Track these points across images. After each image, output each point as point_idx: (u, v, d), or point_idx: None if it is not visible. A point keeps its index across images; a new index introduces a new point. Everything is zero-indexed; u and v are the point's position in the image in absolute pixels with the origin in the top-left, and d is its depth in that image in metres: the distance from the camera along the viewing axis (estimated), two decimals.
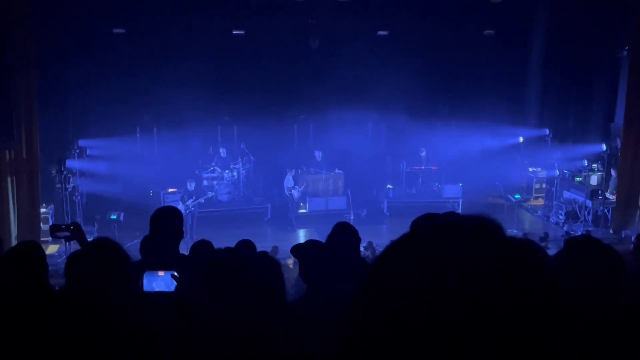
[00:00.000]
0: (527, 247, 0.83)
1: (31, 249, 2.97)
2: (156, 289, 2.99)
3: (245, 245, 4.70)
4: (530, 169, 14.89)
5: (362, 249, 6.43)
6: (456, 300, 0.76)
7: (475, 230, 0.83)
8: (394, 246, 0.86)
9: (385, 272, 0.84)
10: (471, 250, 0.80)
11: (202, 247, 4.39)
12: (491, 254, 0.80)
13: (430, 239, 0.84)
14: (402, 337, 0.77)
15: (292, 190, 12.83)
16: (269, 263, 3.13)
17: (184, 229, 3.73)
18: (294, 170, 13.13)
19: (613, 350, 1.89)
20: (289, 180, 12.94)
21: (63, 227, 3.95)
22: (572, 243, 2.43)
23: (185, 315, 2.40)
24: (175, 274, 2.96)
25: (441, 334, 0.75)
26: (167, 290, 2.98)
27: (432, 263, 0.80)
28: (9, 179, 9.81)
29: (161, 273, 3.00)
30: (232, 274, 2.54)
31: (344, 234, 3.88)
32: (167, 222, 3.53)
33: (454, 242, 0.81)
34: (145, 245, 3.73)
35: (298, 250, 3.39)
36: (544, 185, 14.18)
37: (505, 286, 0.77)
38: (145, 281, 3.02)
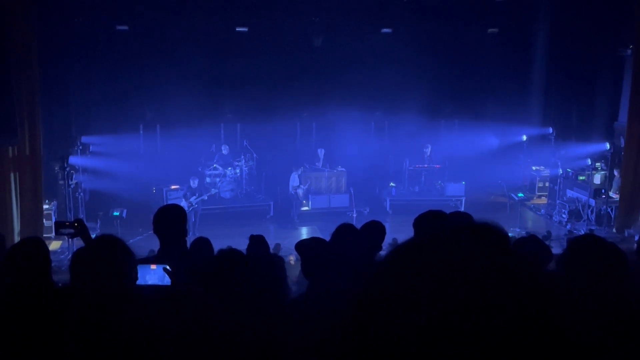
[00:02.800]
0: (529, 259, 0.84)
1: (35, 245, 2.98)
2: (149, 282, 2.98)
3: (258, 240, 4.71)
4: (534, 168, 14.87)
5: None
6: (456, 308, 0.76)
7: (478, 241, 0.83)
8: (397, 252, 0.86)
9: (387, 278, 0.84)
10: (473, 261, 0.80)
11: (200, 244, 4.40)
12: (493, 265, 0.80)
13: (432, 247, 0.84)
14: (404, 341, 0.77)
15: (298, 189, 12.84)
16: (272, 260, 3.13)
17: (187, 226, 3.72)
18: (300, 169, 13.13)
19: (617, 349, 1.89)
20: (294, 179, 12.95)
21: (67, 223, 3.94)
22: (575, 242, 2.43)
23: (188, 312, 2.41)
24: (168, 267, 2.96)
25: (442, 340, 0.75)
26: (160, 283, 2.97)
27: (434, 271, 0.80)
28: (12, 176, 9.82)
29: (153, 266, 2.99)
30: (235, 271, 2.54)
31: (346, 234, 3.90)
32: (171, 220, 3.54)
33: (456, 252, 0.81)
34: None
35: (301, 247, 3.39)
36: (547, 184, 14.17)
37: (506, 297, 0.77)
38: (138, 274, 3.00)
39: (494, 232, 0.86)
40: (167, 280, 2.98)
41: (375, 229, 4.14)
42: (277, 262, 3.47)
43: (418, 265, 0.82)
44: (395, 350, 0.78)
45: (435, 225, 3.70)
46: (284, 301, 2.92)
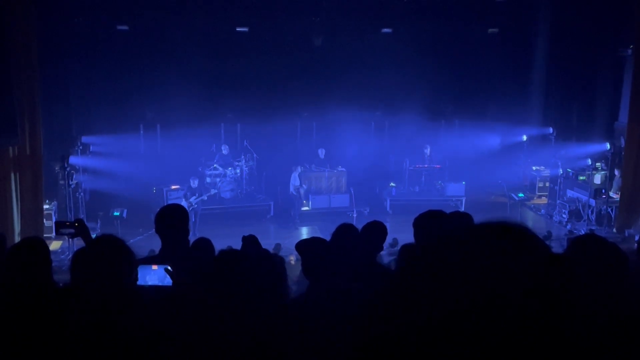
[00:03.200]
0: (537, 260, 0.83)
1: (36, 245, 2.98)
2: (149, 283, 2.98)
3: (250, 240, 4.70)
4: (534, 168, 14.88)
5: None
6: (456, 308, 0.76)
7: (479, 242, 0.83)
8: (403, 256, 0.87)
9: (390, 280, 0.84)
10: (473, 262, 0.80)
11: (201, 245, 4.40)
12: (493, 266, 0.80)
13: (434, 249, 0.84)
14: (404, 340, 0.77)
15: (299, 189, 12.84)
16: (272, 260, 3.13)
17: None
18: (300, 168, 13.12)
19: (618, 349, 1.89)
20: (295, 178, 12.94)
21: (67, 223, 3.95)
22: (576, 243, 2.43)
23: (187, 312, 2.41)
24: (169, 268, 2.96)
25: (442, 340, 0.75)
26: (160, 284, 2.97)
27: (434, 272, 0.80)
28: (12, 176, 9.82)
29: (155, 267, 2.99)
30: (235, 271, 2.54)
31: (347, 234, 3.90)
32: (173, 220, 3.54)
33: (456, 253, 0.81)
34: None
35: (302, 247, 3.39)
36: (547, 184, 14.17)
37: (505, 298, 0.77)
38: (139, 275, 3.00)
39: (499, 233, 0.86)
40: (167, 281, 2.98)
41: (376, 230, 4.13)
42: (277, 261, 3.47)
43: (420, 266, 0.82)
44: (396, 350, 0.78)
45: (436, 226, 3.70)
46: (284, 301, 2.91)
